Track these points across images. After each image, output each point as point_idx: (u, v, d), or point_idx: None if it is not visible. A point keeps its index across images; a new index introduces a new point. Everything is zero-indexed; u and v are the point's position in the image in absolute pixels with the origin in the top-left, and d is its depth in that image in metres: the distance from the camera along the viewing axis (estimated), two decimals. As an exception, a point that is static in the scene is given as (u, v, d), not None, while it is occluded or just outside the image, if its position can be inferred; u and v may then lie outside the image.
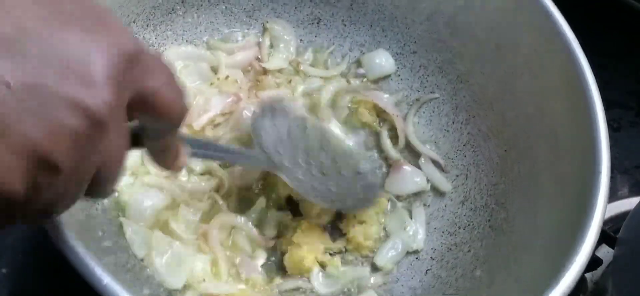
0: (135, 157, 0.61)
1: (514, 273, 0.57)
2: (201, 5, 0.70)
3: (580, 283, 0.66)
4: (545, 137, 0.62)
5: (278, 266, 0.62)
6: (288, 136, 0.62)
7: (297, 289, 0.61)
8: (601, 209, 0.52)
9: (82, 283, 0.42)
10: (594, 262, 0.64)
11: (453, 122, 0.71)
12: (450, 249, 0.64)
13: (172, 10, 0.68)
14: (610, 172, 0.54)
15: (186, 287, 0.57)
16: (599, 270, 0.66)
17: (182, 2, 0.68)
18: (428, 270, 0.64)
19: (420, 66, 0.73)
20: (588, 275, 0.67)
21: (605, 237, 0.64)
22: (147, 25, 0.66)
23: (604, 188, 0.53)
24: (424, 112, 0.72)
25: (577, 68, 0.59)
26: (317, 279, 0.61)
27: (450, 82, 0.71)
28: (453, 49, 0.70)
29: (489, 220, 0.63)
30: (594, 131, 0.56)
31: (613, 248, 0.63)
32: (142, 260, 0.56)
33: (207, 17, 0.71)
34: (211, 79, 0.68)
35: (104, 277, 0.41)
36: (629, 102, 0.84)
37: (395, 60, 0.73)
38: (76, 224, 0.46)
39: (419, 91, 0.73)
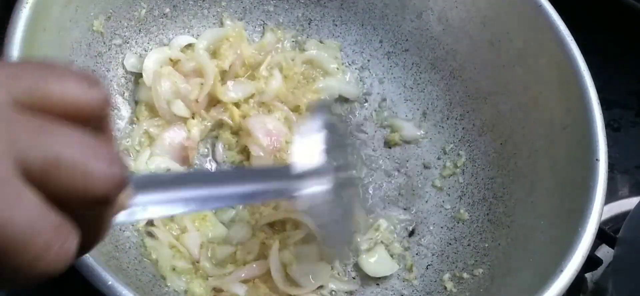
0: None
1: (514, 266, 0.57)
2: (192, 9, 0.69)
3: (580, 283, 0.65)
4: (541, 129, 0.62)
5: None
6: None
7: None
8: (601, 197, 0.52)
9: (82, 283, 0.41)
10: (594, 262, 0.64)
11: (447, 119, 0.70)
12: (450, 243, 0.64)
13: (163, 14, 0.67)
14: (607, 158, 0.54)
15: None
16: (599, 270, 0.66)
17: (173, 6, 0.68)
18: (429, 265, 0.63)
19: (412, 64, 0.73)
20: (588, 275, 0.67)
21: (605, 237, 0.64)
22: (140, 31, 0.66)
23: (603, 175, 0.53)
24: (417, 109, 0.72)
25: (570, 58, 0.59)
26: None
27: (443, 78, 0.71)
28: (445, 46, 0.70)
29: (488, 214, 0.63)
30: (589, 119, 0.56)
31: (613, 248, 0.63)
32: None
33: (199, 20, 0.70)
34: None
35: (108, 278, 0.41)
36: (629, 102, 0.84)
37: (388, 59, 0.73)
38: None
39: (412, 89, 0.73)
